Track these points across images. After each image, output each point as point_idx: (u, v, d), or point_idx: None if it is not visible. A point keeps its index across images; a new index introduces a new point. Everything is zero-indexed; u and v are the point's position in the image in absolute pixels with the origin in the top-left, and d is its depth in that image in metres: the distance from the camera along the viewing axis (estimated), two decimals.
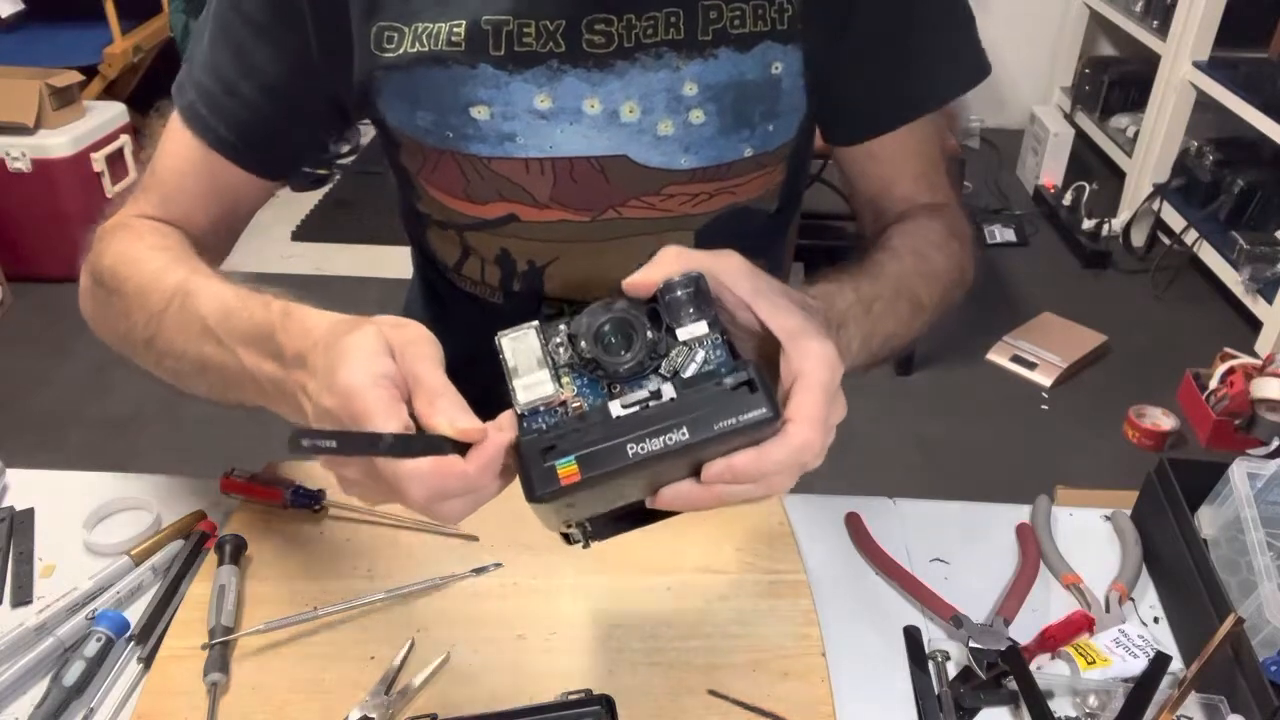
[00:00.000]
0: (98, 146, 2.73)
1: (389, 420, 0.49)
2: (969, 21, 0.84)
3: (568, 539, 0.64)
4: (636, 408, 0.50)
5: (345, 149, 3.61)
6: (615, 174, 0.80)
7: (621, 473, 0.49)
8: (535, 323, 0.53)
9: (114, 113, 2.84)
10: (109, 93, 3.08)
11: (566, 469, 0.49)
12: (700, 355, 0.53)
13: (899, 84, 0.83)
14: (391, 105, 0.78)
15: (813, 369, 0.53)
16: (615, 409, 0.50)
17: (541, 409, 0.52)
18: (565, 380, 0.52)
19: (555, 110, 0.76)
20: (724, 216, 0.85)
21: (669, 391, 0.50)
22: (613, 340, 0.52)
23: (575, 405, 0.52)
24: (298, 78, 0.78)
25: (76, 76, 2.73)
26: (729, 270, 0.55)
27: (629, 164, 0.79)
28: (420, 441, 0.49)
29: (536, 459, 0.49)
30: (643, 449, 0.49)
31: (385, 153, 0.87)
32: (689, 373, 0.52)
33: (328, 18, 0.75)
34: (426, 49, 0.74)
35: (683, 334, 0.53)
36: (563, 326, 0.53)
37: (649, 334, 0.52)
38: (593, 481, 0.49)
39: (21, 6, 3.16)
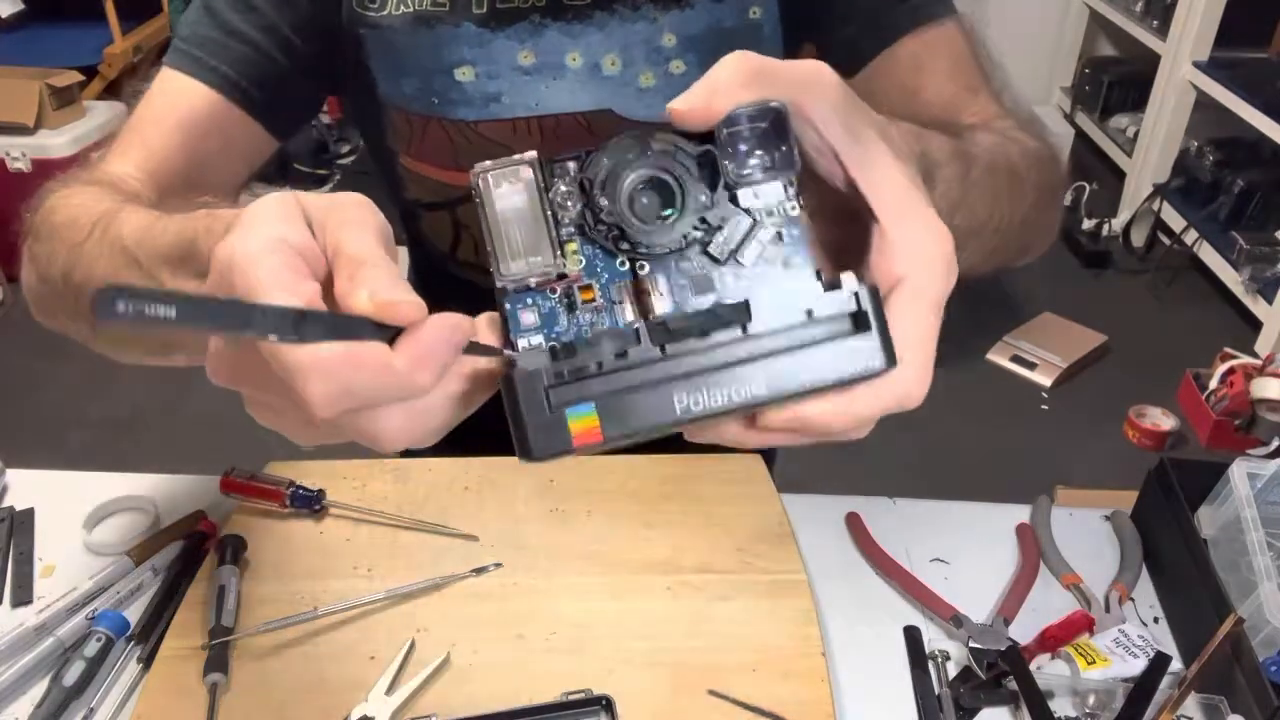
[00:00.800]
0: (98, 146, 2.71)
1: (281, 295, 0.33)
2: None
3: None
4: (691, 338, 0.34)
5: (345, 149, 3.61)
6: (601, 130, 0.80)
7: (659, 430, 0.35)
8: (533, 154, 0.36)
9: (114, 113, 2.84)
10: (109, 93, 3.08)
11: (583, 423, 0.34)
12: (767, 234, 0.36)
13: (890, 5, 0.76)
14: (379, 72, 0.78)
15: (924, 275, 0.36)
16: (658, 333, 0.34)
17: (533, 285, 0.36)
18: (570, 249, 0.36)
19: (538, 66, 0.77)
20: None
21: (732, 284, 0.35)
22: (645, 199, 0.35)
23: (584, 288, 0.36)
24: (296, 20, 0.76)
25: (76, 76, 2.73)
26: (818, 99, 0.37)
27: (614, 119, 0.79)
28: (322, 320, 0.32)
29: (538, 401, 0.34)
30: (696, 404, 0.34)
31: (370, 148, 0.87)
32: (748, 257, 0.36)
33: None
34: (411, 10, 0.75)
35: (746, 198, 0.36)
36: (572, 165, 0.36)
37: (701, 196, 0.35)
38: (617, 441, 0.34)
39: (21, 6, 3.16)
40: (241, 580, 0.74)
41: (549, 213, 0.35)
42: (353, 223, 0.36)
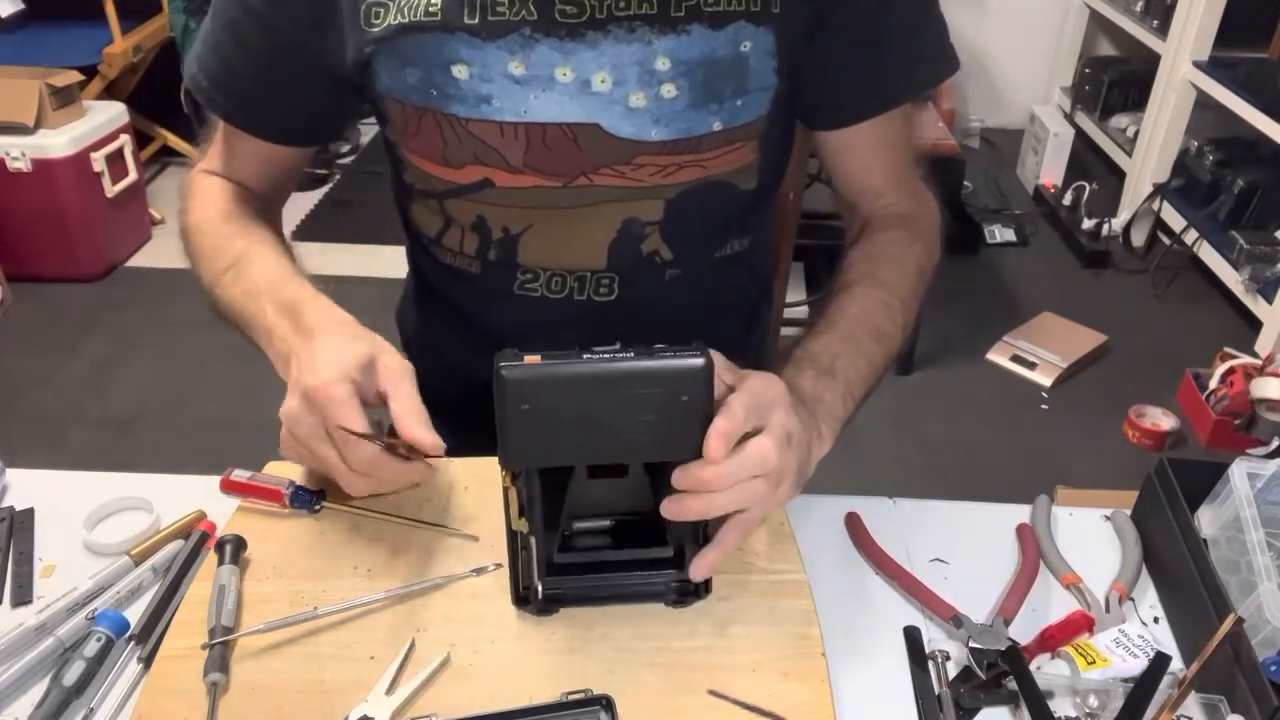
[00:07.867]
0: (98, 146, 2.73)
1: (350, 412, 0.65)
2: (939, 18, 0.87)
3: (526, 600, 0.72)
4: (602, 350, 0.63)
5: (345, 149, 3.61)
6: (587, 141, 0.81)
7: (576, 382, 0.61)
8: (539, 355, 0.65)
9: (114, 113, 2.84)
10: (109, 93, 3.08)
11: (530, 357, 0.61)
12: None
13: (873, 75, 0.85)
14: (384, 69, 0.81)
15: (750, 383, 0.65)
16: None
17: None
18: None
19: (529, 77, 0.78)
20: (697, 189, 0.87)
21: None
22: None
23: None
24: (289, 55, 0.82)
25: (76, 76, 2.73)
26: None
27: (600, 132, 0.81)
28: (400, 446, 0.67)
29: (508, 354, 0.62)
30: (595, 356, 0.62)
31: (380, 130, 0.91)
32: None
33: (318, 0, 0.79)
34: (407, 19, 0.77)
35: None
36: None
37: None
38: (550, 373, 0.61)
39: (21, 6, 3.16)
40: (241, 580, 0.74)
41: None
42: (397, 376, 0.68)
